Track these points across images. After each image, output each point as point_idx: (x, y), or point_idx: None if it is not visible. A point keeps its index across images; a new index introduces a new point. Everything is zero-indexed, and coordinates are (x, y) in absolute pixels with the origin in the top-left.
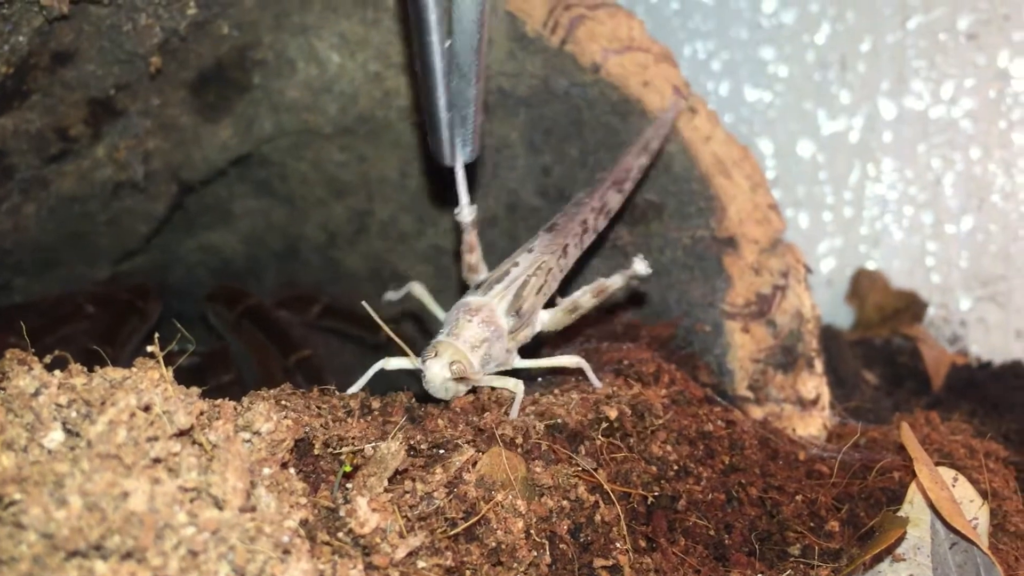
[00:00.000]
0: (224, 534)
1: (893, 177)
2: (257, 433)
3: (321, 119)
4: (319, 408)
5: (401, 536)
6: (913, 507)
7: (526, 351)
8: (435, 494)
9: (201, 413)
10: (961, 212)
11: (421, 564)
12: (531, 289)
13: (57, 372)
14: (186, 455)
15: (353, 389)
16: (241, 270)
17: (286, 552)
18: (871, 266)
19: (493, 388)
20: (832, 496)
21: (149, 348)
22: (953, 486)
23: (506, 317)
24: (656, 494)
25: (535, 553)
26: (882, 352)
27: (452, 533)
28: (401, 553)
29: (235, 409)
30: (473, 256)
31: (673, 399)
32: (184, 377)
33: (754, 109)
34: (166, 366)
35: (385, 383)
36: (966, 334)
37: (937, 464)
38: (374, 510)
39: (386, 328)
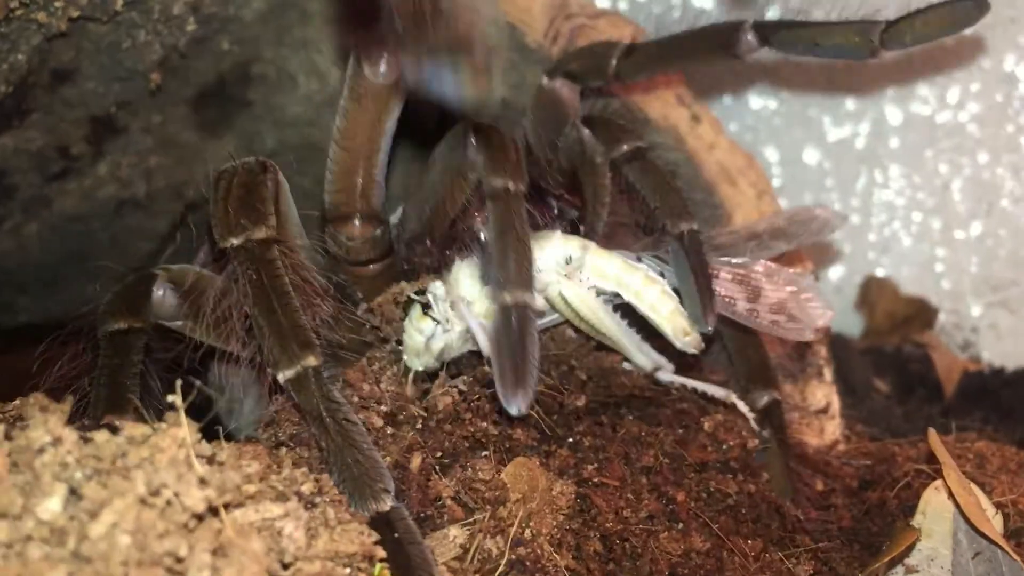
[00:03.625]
0: None
1: (901, 183)
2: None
3: (323, 134)
4: None
5: None
6: (926, 517)
7: None
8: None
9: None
10: (970, 217)
11: None
12: None
13: (69, 431)
14: (199, 550)
15: None
16: None
17: None
18: (880, 273)
19: None
20: (842, 504)
21: (170, 398)
22: None
23: None
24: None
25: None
26: (893, 360)
27: None
28: None
29: (260, 492)
30: None
31: None
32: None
33: (759, 117)
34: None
35: None
36: (978, 340)
37: None
38: None
39: None
